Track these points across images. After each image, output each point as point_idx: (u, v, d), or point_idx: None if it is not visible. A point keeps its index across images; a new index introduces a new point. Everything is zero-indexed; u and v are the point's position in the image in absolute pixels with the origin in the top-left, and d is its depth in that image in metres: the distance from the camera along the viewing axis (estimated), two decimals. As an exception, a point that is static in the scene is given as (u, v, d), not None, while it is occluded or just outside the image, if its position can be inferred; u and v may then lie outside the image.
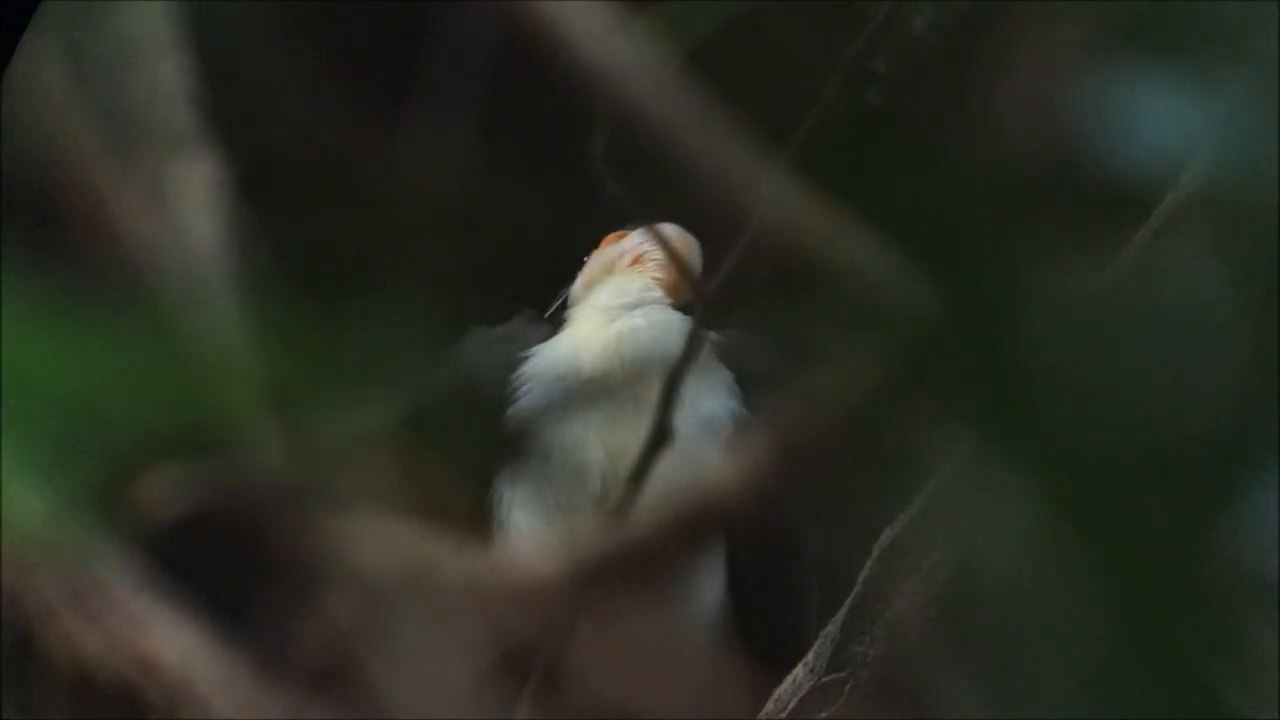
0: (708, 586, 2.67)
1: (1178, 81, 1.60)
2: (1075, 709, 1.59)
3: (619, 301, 2.75)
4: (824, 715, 2.48)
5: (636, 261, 2.79)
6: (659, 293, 2.77)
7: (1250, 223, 1.56)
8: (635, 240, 2.80)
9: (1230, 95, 1.58)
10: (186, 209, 1.94)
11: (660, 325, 2.73)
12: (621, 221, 2.82)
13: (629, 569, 1.78)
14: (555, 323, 2.78)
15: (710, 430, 2.64)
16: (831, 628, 2.49)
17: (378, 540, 1.73)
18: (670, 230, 2.68)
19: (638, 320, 2.73)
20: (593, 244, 2.83)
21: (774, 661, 2.57)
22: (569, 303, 2.81)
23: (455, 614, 1.76)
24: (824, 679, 2.48)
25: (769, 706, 2.53)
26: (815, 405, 1.63)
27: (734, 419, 2.66)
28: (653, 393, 2.17)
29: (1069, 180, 1.71)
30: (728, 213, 2.69)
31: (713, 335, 2.64)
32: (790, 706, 2.50)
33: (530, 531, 2.70)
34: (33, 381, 1.55)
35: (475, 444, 2.65)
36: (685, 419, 2.28)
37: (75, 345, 1.57)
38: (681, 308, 2.76)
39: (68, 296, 1.60)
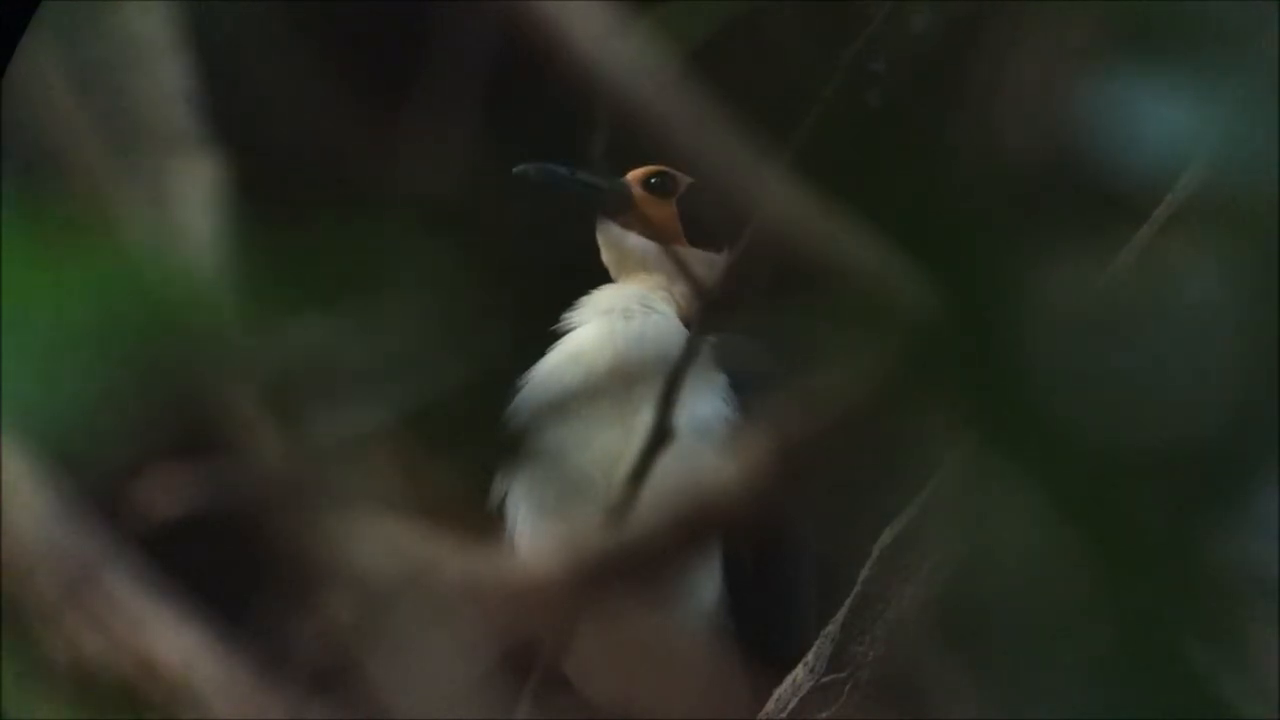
0: (706, 587, 2.67)
1: (1178, 81, 1.60)
2: (1075, 709, 1.59)
3: (620, 305, 2.76)
4: (824, 715, 2.48)
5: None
6: (659, 296, 2.77)
7: (1250, 223, 1.56)
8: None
9: (1230, 95, 1.58)
10: (186, 209, 1.94)
11: (660, 328, 2.73)
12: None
13: (628, 569, 1.78)
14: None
15: (703, 433, 2.64)
16: (831, 628, 2.49)
17: (378, 540, 1.73)
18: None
19: (638, 323, 2.74)
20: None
21: (774, 661, 2.58)
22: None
23: (455, 614, 1.76)
24: (824, 679, 2.48)
25: (769, 706, 2.53)
26: (815, 406, 1.63)
27: (726, 423, 2.67)
28: (651, 395, 2.18)
29: (1069, 180, 1.71)
30: (728, 228, 2.69)
31: (709, 339, 2.65)
32: (790, 706, 2.50)
33: (530, 531, 2.71)
34: (30, 329, 1.55)
35: (475, 444, 2.65)
36: (680, 422, 2.29)
37: (73, 304, 1.57)
38: (677, 311, 2.77)
39: (65, 259, 1.60)
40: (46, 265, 1.62)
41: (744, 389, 2.70)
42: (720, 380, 2.70)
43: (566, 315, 2.77)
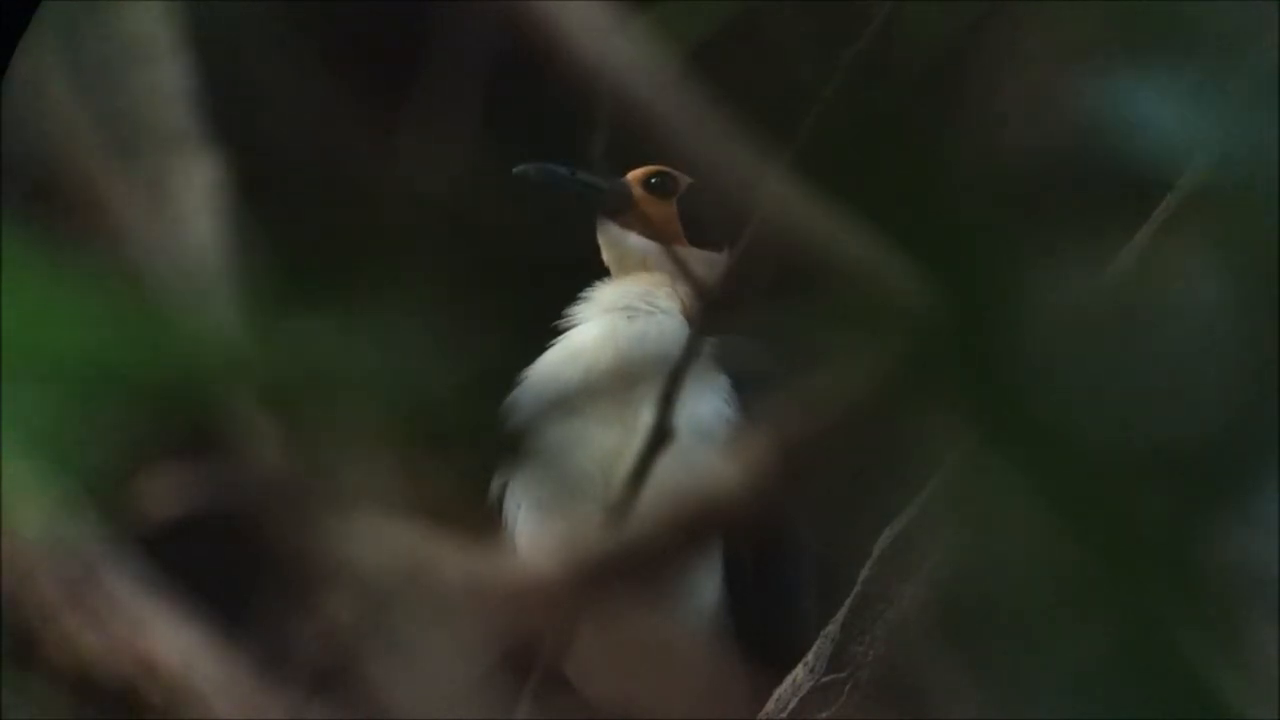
0: (706, 587, 2.67)
1: (1178, 81, 1.60)
2: (1075, 709, 1.59)
3: (623, 303, 2.75)
4: (824, 715, 2.48)
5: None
6: (663, 293, 2.77)
7: (1251, 223, 1.56)
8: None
9: (1230, 95, 1.58)
10: (186, 209, 1.94)
11: (662, 328, 2.73)
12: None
13: (628, 569, 1.78)
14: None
15: (704, 433, 2.64)
16: (831, 628, 2.49)
17: (378, 540, 1.73)
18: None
19: (640, 323, 2.73)
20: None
21: (774, 661, 2.58)
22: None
23: (455, 614, 1.76)
24: (824, 679, 2.48)
25: (769, 706, 2.53)
26: (815, 406, 1.63)
27: (727, 423, 2.67)
28: (652, 394, 2.17)
29: (1070, 180, 1.71)
30: (728, 228, 2.69)
31: (710, 340, 2.65)
32: (790, 706, 2.50)
33: (530, 531, 2.70)
34: (31, 358, 1.55)
35: (475, 444, 2.65)
36: (680, 422, 2.29)
37: (75, 336, 1.57)
38: (680, 309, 2.76)
39: (67, 285, 1.60)
40: (46, 266, 1.62)
41: (745, 389, 2.70)
42: (722, 380, 2.70)
43: (569, 313, 2.77)
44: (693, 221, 2.83)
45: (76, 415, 1.60)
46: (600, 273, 2.84)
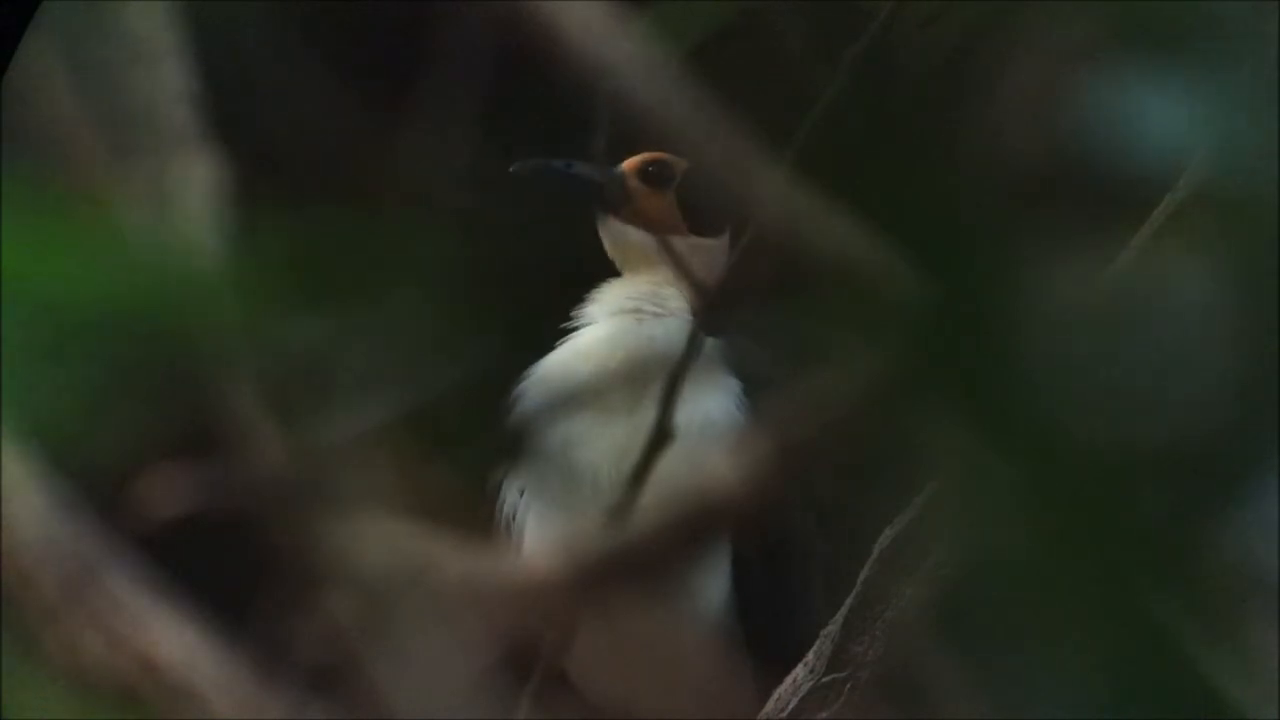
0: (712, 587, 2.67)
1: (1178, 81, 1.60)
2: (1075, 709, 1.59)
3: (631, 304, 2.75)
4: (824, 715, 2.48)
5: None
6: (671, 292, 2.76)
7: (1250, 223, 1.56)
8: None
9: (1230, 95, 1.58)
10: (186, 209, 1.94)
11: (667, 327, 2.72)
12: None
13: (630, 569, 1.78)
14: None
15: (713, 432, 2.63)
16: (831, 628, 2.49)
17: (378, 540, 1.73)
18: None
19: (649, 325, 2.73)
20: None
21: (774, 661, 2.58)
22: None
23: (455, 614, 1.76)
24: (824, 679, 2.48)
25: (769, 706, 2.53)
26: (817, 406, 1.63)
27: (736, 422, 2.66)
28: (657, 394, 2.17)
29: (1069, 180, 1.71)
30: (728, 212, 2.68)
31: (717, 341, 2.64)
32: (790, 706, 2.50)
33: (532, 530, 2.70)
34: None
35: (475, 444, 2.65)
36: (689, 421, 2.28)
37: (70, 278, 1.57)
38: (689, 309, 2.75)
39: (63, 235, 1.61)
40: (47, 262, 1.63)
41: (752, 390, 2.69)
42: (729, 382, 2.70)
43: (576, 312, 2.76)
44: (692, 208, 2.80)
45: (77, 406, 1.60)
46: (603, 272, 2.83)
